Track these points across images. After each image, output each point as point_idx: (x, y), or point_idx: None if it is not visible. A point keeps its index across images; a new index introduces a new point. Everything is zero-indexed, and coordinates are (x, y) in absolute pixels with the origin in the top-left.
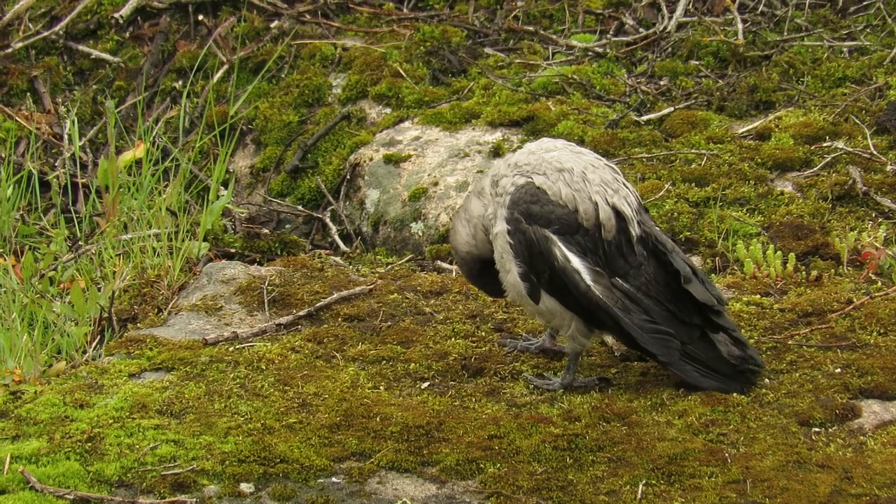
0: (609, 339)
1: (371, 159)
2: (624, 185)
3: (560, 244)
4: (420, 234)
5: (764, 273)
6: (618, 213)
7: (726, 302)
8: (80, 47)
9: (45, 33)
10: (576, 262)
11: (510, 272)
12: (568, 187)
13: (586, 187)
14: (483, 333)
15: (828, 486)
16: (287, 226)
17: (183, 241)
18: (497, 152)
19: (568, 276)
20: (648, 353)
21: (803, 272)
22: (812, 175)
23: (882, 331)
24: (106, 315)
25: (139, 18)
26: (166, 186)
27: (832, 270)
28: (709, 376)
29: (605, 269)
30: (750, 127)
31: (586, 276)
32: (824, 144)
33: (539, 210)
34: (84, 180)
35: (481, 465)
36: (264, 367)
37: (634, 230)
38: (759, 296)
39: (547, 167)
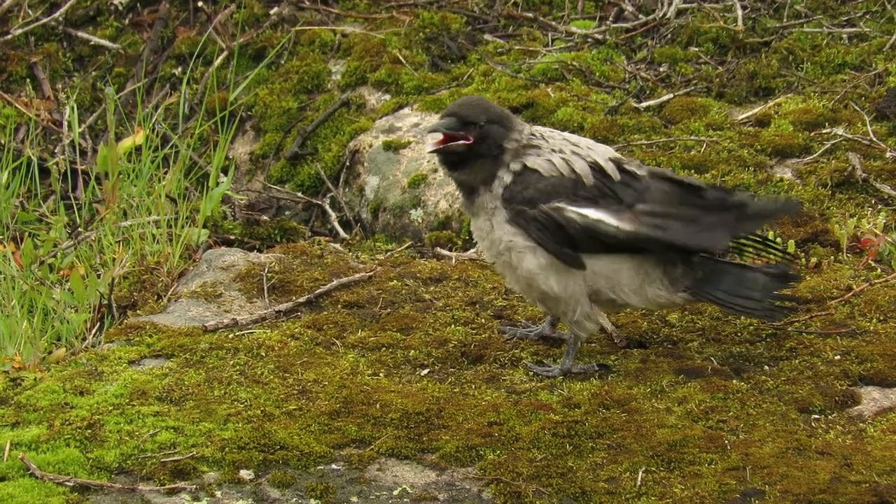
0: (608, 326)
1: (370, 146)
2: None
3: (571, 207)
4: (419, 220)
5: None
6: (612, 159)
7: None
8: (80, 34)
9: (45, 20)
10: (592, 213)
11: (523, 262)
12: (559, 154)
13: (576, 147)
14: (483, 320)
15: (827, 472)
16: (286, 212)
17: (182, 227)
18: None
19: (593, 229)
20: (701, 250)
21: (803, 259)
22: (811, 162)
23: (881, 318)
24: (105, 302)
25: (138, 5)
26: (166, 173)
27: (832, 257)
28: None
29: (622, 205)
30: (749, 113)
31: (610, 220)
32: (824, 131)
33: (534, 193)
34: (83, 167)
35: (481, 452)
36: (264, 354)
37: (638, 169)
38: None
39: (538, 147)
